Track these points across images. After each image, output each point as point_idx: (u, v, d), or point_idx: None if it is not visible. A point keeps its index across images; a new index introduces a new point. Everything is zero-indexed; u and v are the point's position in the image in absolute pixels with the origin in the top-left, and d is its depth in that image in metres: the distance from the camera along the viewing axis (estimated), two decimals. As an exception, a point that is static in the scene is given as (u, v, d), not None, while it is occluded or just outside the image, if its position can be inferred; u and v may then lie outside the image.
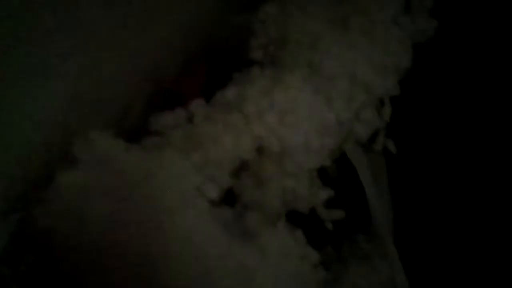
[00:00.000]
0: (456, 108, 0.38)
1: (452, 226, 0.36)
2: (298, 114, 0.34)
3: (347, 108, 0.35)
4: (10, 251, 0.33)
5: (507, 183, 0.37)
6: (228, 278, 0.28)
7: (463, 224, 0.36)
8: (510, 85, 0.38)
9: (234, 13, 0.42)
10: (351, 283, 0.34)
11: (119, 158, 0.30)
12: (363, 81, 0.35)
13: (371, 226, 0.35)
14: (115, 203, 0.29)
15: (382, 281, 0.34)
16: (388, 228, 0.35)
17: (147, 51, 0.37)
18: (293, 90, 0.34)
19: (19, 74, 0.30)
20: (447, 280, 0.35)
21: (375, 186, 0.36)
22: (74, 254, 0.29)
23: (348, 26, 0.36)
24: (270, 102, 0.34)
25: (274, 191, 0.34)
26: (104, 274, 0.28)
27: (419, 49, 0.37)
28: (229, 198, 0.33)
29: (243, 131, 0.34)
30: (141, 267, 0.28)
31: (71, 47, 0.31)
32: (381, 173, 0.36)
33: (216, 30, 0.41)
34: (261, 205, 0.34)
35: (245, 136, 0.34)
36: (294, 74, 0.35)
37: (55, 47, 0.31)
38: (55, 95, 0.32)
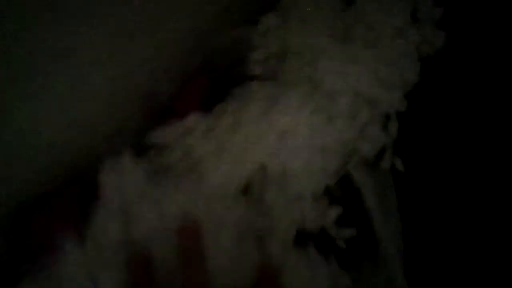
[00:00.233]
0: (468, 122, 0.36)
1: (467, 254, 0.33)
2: (299, 136, 0.32)
3: (351, 126, 0.33)
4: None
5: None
6: None
7: (479, 250, 0.33)
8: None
9: (234, 26, 0.40)
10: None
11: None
12: (367, 96, 0.33)
13: (377, 252, 0.33)
14: None
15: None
16: (396, 254, 0.32)
17: (145, 64, 0.37)
18: (293, 110, 0.32)
19: (19, 74, 0.29)
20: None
21: (382, 209, 0.34)
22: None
23: (351, 39, 0.35)
24: (270, 123, 0.32)
25: (280, 216, 0.32)
26: None
27: (427, 62, 0.35)
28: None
29: (243, 154, 0.33)
30: None
31: (71, 49, 0.31)
32: (389, 194, 0.34)
33: (216, 43, 0.40)
34: (272, 230, 0.32)
35: (245, 160, 0.33)
36: (294, 90, 0.33)
37: (55, 48, 0.30)
38: (55, 96, 0.32)
